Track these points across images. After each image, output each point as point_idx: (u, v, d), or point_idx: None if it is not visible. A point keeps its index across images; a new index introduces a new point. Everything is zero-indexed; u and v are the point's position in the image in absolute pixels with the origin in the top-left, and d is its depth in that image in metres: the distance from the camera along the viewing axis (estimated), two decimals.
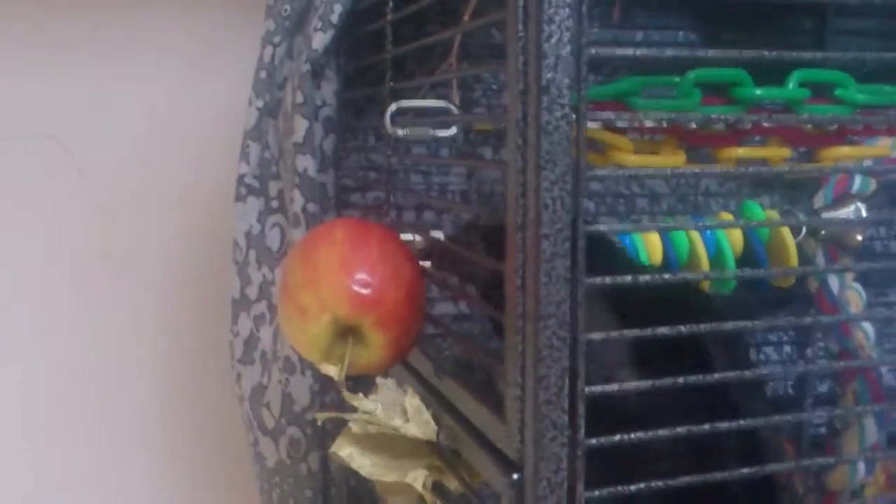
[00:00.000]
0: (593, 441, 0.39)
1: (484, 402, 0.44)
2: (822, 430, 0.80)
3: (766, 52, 0.43)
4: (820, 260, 0.76)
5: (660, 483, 0.40)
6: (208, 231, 0.80)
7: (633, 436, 0.40)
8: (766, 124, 0.62)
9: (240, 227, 0.72)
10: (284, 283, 0.51)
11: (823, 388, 0.83)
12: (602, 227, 0.40)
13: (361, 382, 0.52)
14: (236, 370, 0.74)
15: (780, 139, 0.65)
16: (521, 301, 0.39)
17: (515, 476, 0.40)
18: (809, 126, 0.65)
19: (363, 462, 0.51)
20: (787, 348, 0.84)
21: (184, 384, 0.84)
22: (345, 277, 0.48)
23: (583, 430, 0.39)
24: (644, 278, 0.40)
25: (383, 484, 0.53)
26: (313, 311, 0.49)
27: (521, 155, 0.38)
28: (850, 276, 0.76)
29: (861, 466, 0.75)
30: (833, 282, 0.77)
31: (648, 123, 0.62)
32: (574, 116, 0.38)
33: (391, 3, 0.61)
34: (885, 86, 0.75)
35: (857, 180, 0.76)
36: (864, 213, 0.68)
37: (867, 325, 0.75)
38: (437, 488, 0.51)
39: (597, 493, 0.39)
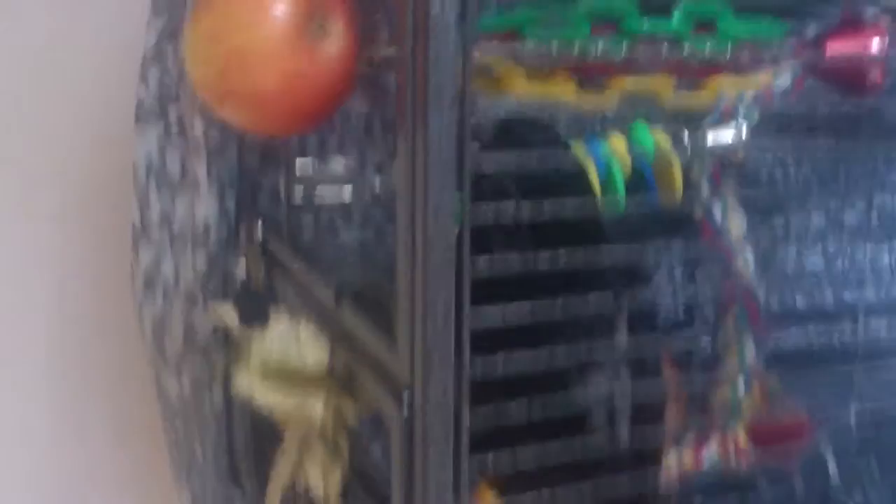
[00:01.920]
0: (478, 363, 0.40)
1: (379, 329, 0.45)
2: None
3: None
4: (704, 186, 0.78)
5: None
6: (109, 157, 0.77)
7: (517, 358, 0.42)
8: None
9: (140, 154, 0.71)
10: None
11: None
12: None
13: (256, 314, 0.52)
14: (137, 302, 0.73)
15: (666, 69, 0.67)
16: (412, 229, 0.39)
17: (405, 398, 0.41)
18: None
19: (262, 393, 0.52)
20: (678, 271, 0.87)
21: (84, 314, 0.83)
22: None
23: (468, 354, 0.40)
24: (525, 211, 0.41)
25: (283, 414, 0.53)
26: None
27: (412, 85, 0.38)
28: (733, 203, 0.79)
29: (740, 384, 0.79)
30: (716, 209, 0.79)
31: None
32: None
33: None
34: (766, 19, 0.78)
35: (742, 109, 0.78)
36: (744, 134, 0.70)
37: (748, 252, 0.78)
38: (336, 417, 0.52)
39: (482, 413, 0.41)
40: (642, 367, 0.51)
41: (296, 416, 0.52)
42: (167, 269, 0.72)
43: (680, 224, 0.81)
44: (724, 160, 0.71)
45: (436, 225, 0.39)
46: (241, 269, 0.67)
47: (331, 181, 0.60)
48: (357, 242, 0.68)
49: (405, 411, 0.41)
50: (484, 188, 0.44)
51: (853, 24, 0.73)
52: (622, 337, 0.46)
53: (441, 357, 0.40)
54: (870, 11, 0.82)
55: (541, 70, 0.65)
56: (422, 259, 0.39)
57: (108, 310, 0.82)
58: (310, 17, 0.47)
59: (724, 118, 0.77)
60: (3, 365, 0.82)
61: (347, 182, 0.61)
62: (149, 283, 0.72)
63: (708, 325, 0.83)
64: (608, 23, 0.67)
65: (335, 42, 0.48)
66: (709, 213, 0.79)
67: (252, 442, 0.69)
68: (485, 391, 0.41)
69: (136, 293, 0.73)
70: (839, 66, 0.71)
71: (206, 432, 0.73)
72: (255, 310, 0.63)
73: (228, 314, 0.54)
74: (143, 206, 0.71)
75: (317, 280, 0.54)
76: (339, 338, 0.50)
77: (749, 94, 0.72)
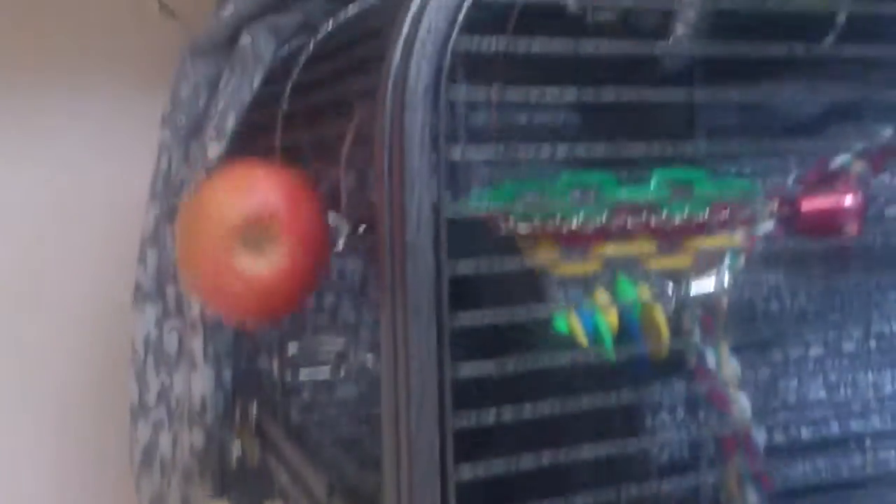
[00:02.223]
0: None
1: None
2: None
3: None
4: (696, 333, 0.79)
5: None
6: (108, 334, 0.79)
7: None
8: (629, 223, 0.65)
9: (138, 333, 0.72)
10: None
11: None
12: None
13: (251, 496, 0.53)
14: (136, 478, 0.73)
15: (645, 234, 0.69)
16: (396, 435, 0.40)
17: None
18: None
19: None
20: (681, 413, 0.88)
21: (83, 490, 0.83)
22: None
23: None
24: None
25: None
26: None
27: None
28: (725, 350, 0.80)
29: None
30: (709, 355, 0.80)
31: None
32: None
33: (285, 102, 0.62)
34: (738, 180, 0.81)
35: (726, 261, 0.80)
36: (726, 281, 0.72)
37: (743, 398, 0.78)
38: None
39: None
40: None
41: None
42: (165, 445, 0.73)
43: (674, 371, 0.82)
44: (710, 309, 0.73)
45: (419, 433, 0.40)
46: (236, 447, 0.68)
47: (322, 362, 0.61)
48: (350, 429, 0.69)
49: None
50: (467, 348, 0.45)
51: (827, 179, 0.76)
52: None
53: None
54: (840, 159, 0.85)
55: (525, 240, 0.67)
56: (407, 466, 0.40)
57: (107, 486, 0.82)
58: (247, 238, 0.50)
59: (707, 272, 0.79)
60: None
61: (338, 363, 0.62)
62: (146, 459, 0.73)
63: (710, 470, 0.83)
64: (587, 192, 0.70)
65: (275, 259, 0.50)
66: (701, 359, 0.80)
67: None
68: None
69: (135, 468, 0.74)
70: (815, 220, 0.73)
71: None
72: (249, 491, 0.64)
73: None
74: (142, 383, 0.73)
75: (309, 468, 0.55)
76: None
77: (730, 249, 0.74)
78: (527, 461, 0.44)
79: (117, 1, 0.81)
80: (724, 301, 0.77)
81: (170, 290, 0.72)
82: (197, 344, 0.71)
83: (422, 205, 0.39)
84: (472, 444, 0.43)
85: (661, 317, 0.70)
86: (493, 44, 0.41)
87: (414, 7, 0.40)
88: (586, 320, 0.70)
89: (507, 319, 0.43)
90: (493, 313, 0.43)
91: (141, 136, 0.74)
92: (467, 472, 0.41)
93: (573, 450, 0.45)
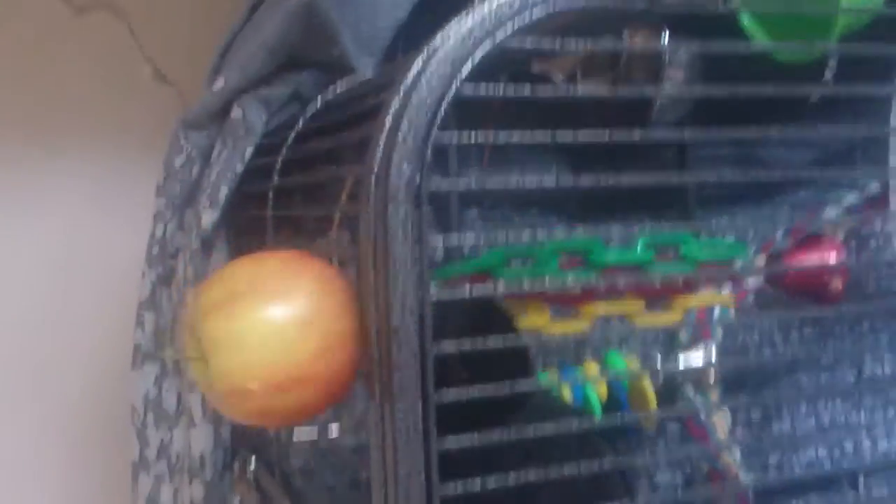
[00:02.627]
0: None
1: None
2: None
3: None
4: (689, 390, 0.82)
5: None
6: (112, 392, 0.82)
7: None
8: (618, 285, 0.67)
9: (137, 393, 0.75)
10: None
11: None
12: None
13: None
14: None
15: (633, 294, 0.71)
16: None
17: None
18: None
19: None
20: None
21: None
22: None
23: None
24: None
25: None
26: None
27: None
28: (716, 402, 0.82)
29: None
30: (701, 410, 0.82)
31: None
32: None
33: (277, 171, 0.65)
34: (723, 241, 0.83)
35: (717, 311, 0.83)
36: (714, 356, 0.75)
37: (735, 448, 0.81)
38: None
39: None
40: None
41: None
42: (166, 497, 0.75)
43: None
44: (699, 383, 0.75)
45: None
46: (236, 501, 0.70)
47: (313, 422, 0.63)
48: (342, 490, 0.71)
49: None
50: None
51: (811, 239, 0.78)
52: None
53: None
54: (830, 213, 0.88)
55: (514, 304, 0.69)
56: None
57: None
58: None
59: (697, 331, 0.81)
60: None
61: (324, 427, 0.64)
62: None
63: None
64: (575, 256, 0.72)
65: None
66: (695, 415, 0.83)
67: None
68: None
69: None
70: (801, 278, 0.76)
71: None
72: None
73: None
74: (142, 440, 0.75)
75: None
76: None
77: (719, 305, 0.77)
78: None
79: (114, 69, 0.84)
80: (714, 358, 0.80)
81: (167, 353, 0.75)
82: (195, 401, 0.73)
83: (406, 293, 0.42)
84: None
85: (649, 388, 0.73)
86: (473, 137, 0.44)
87: (395, 105, 0.43)
88: (576, 390, 0.73)
89: (493, 394, 0.46)
90: (480, 388, 0.45)
91: (138, 201, 0.77)
92: None
93: None
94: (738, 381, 0.87)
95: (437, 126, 0.43)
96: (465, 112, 0.85)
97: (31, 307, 0.85)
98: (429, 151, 0.43)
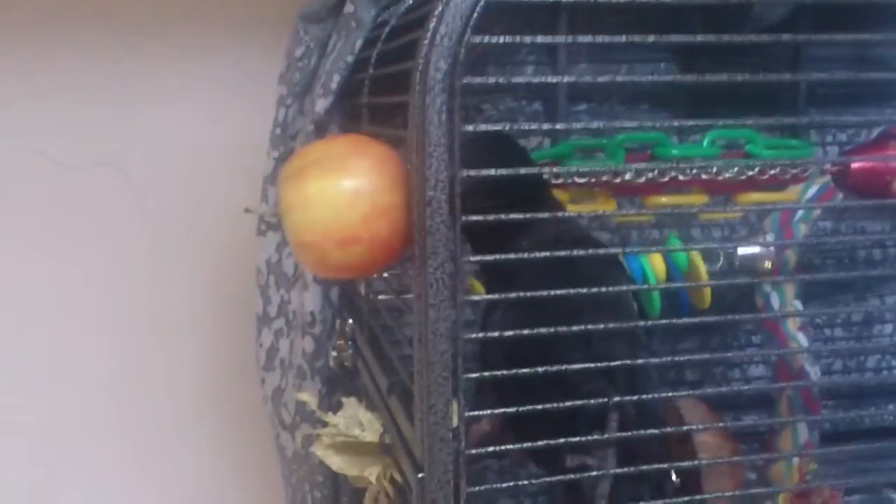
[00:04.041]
0: (472, 451, 0.53)
1: (409, 418, 0.59)
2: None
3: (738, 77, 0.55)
4: (766, 287, 0.86)
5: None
6: (241, 256, 0.96)
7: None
8: (681, 177, 0.74)
9: (261, 257, 0.88)
10: None
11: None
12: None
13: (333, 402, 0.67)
14: (261, 375, 0.90)
15: (699, 188, 0.77)
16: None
17: (420, 475, 0.55)
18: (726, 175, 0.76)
19: (335, 461, 0.67)
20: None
21: (220, 387, 1.01)
22: None
23: (464, 443, 0.53)
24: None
25: (352, 477, 0.68)
26: None
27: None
28: (790, 294, 0.87)
29: (795, 462, 0.86)
30: (774, 298, 0.88)
31: (580, 179, 0.75)
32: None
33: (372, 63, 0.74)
34: (789, 140, 0.87)
35: (800, 212, 0.87)
36: (771, 245, 0.78)
37: (801, 337, 0.86)
38: (391, 481, 0.66)
39: (477, 488, 0.54)
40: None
41: (361, 479, 0.67)
42: (283, 348, 0.89)
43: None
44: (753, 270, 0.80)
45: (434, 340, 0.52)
46: (338, 355, 0.83)
47: (396, 291, 0.74)
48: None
49: (419, 485, 0.55)
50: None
51: (877, 141, 0.81)
52: None
53: (441, 443, 0.53)
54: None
55: (583, 192, 0.77)
56: (426, 370, 0.53)
57: (236, 379, 1.02)
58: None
59: (783, 219, 0.86)
60: (155, 437, 1.03)
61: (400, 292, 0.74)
62: (269, 361, 0.89)
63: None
64: (642, 150, 0.78)
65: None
66: (767, 301, 0.88)
67: (354, 493, 0.84)
68: None
69: (259, 368, 0.90)
70: (865, 179, 0.79)
71: (314, 485, 0.89)
72: (345, 388, 0.79)
73: (308, 398, 0.69)
74: (265, 298, 0.88)
75: (379, 371, 0.69)
76: (388, 421, 0.64)
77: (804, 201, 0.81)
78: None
79: None
80: (794, 251, 0.84)
81: (263, 210, 0.87)
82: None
83: (439, 170, 0.51)
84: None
85: (703, 267, 0.79)
86: (502, 39, 0.52)
87: (437, 10, 0.51)
88: (635, 269, 0.80)
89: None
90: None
91: (260, 93, 0.90)
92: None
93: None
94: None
95: (471, 29, 0.51)
96: (576, 13, 0.92)
97: (179, 180, 0.99)
98: (462, 51, 0.51)
